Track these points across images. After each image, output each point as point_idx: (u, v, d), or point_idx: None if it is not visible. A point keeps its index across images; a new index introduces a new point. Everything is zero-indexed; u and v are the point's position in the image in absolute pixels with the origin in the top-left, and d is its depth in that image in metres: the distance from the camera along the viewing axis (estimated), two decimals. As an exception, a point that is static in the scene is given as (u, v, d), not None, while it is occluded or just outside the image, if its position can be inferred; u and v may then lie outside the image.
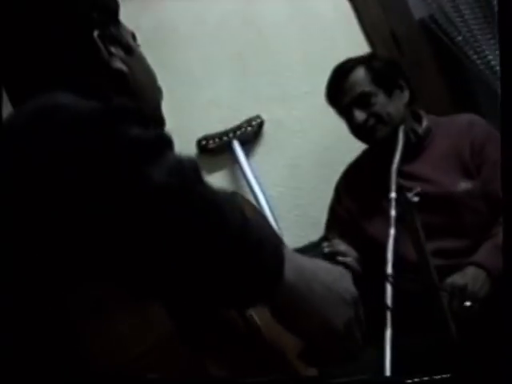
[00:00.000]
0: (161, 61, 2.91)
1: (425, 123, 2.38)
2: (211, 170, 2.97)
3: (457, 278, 2.06)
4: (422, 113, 2.43)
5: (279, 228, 2.80)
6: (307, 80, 2.94)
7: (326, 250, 1.68)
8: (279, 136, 2.95)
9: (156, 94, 1.39)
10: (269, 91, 2.94)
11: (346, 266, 1.68)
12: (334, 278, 1.03)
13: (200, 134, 2.92)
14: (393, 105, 2.30)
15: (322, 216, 2.80)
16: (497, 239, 2.14)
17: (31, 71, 1.20)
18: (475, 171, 2.27)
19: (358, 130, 2.33)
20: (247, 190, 2.88)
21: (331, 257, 1.68)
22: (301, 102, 2.95)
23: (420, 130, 2.37)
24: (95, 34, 1.22)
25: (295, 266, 0.96)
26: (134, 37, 1.35)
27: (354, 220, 2.43)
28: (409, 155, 2.28)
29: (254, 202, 2.84)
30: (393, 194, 1.81)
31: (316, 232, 2.84)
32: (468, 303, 2.01)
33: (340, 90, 2.33)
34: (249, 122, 2.90)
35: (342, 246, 1.69)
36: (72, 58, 1.21)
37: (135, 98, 1.29)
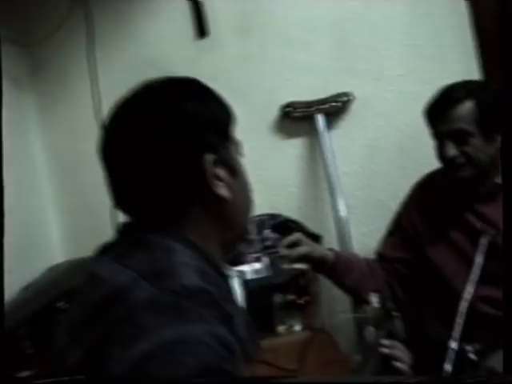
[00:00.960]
0: (259, 19, 2.94)
1: None
2: (290, 135, 2.96)
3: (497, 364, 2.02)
4: None
5: (343, 204, 2.82)
6: (404, 62, 2.87)
7: (386, 350, 1.67)
8: (364, 114, 2.91)
9: (249, 212, 1.38)
10: (363, 67, 2.89)
11: (399, 371, 1.66)
12: None
13: (286, 97, 2.91)
14: (487, 149, 2.20)
15: (391, 202, 2.81)
16: None
17: (139, 193, 1.25)
18: None
19: (443, 161, 2.26)
20: (321, 161, 2.89)
21: (387, 359, 1.67)
22: (392, 84, 2.88)
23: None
24: (207, 158, 1.24)
25: None
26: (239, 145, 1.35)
27: (417, 237, 2.41)
28: (488, 196, 2.27)
29: (324, 174, 2.86)
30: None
31: (382, 216, 2.84)
32: None
33: (440, 115, 2.23)
34: (337, 97, 2.87)
35: (400, 351, 1.67)
36: (179, 184, 1.23)
37: (228, 220, 1.31)
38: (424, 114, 2.28)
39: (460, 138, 2.19)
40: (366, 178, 2.93)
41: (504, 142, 0.98)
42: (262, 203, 2.86)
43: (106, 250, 1.25)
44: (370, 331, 1.72)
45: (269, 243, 2.83)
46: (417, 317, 2.34)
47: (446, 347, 1.92)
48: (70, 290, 2.53)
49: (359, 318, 2.47)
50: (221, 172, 1.26)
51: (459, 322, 1.79)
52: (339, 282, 2.40)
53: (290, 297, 2.10)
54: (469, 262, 2.26)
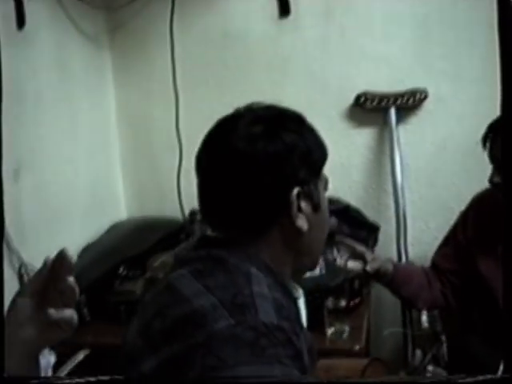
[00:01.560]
0: (343, 4, 2.91)
1: None
2: (361, 124, 2.98)
3: None
4: None
5: (404, 198, 2.85)
6: (484, 65, 2.82)
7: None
8: (436, 112, 2.89)
9: (322, 245, 1.43)
10: (441, 65, 2.86)
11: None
12: None
13: (360, 86, 2.91)
14: None
15: (452, 202, 2.84)
16: None
17: (224, 208, 1.33)
18: None
19: (492, 185, 2.28)
20: (388, 153, 2.91)
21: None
22: (469, 86, 2.85)
23: None
24: (295, 191, 1.29)
25: None
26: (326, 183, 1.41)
27: (470, 250, 2.44)
28: None
29: (390, 167, 2.88)
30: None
31: (442, 215, 2.88)
32: None
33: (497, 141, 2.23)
34: (412, 92, 2.85)
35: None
36: (263, 209, 1.30)
37: (301, 250, 1.37)
38: (488, 127, 2.29)
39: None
40: (431, 176, 2.94)
41: (504, 141, 1.00)
42: (327, 188, 2.89)
43: (183, 262, 1.32)
44: (418, 355, 1.78)
45: (326, 229, 2.88)
46: (466, 336, 2.38)
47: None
48: (131, 257, 2.63)
49: (406, 334, 2.53)
50: (304, 205, 1.31)
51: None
52: (397, 292, 2.46)
53: (342, 301, 2.16)
54: None
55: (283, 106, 1.38)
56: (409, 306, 2.62)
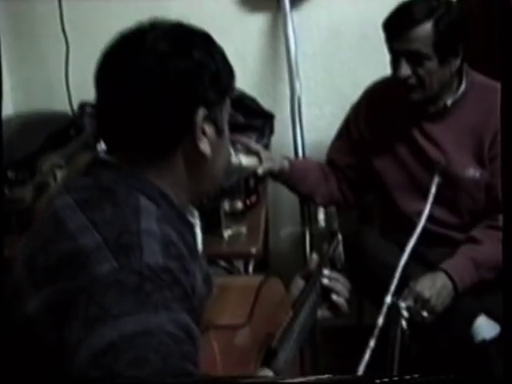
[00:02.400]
0: None
1: (463, 86, 2.30)
2: (254, 8, 2.88)
3: (424, 289, 2.14)
4: (465, 70, 2.31)
5: (300, 84, 2.80)
6: None
7: (325, 281, 1.70)
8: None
9: (223, 173, 1.41)
10: None
11: (332, 302, 1.71)
12: None
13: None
14: (440, 73, 2.20)
15: (348, 88, 2.83)
16: (476, 251, 2.23)
17: (126, 127, 1.27)
18: (487, 161, 2.26)
19: (396, 78, 2.24)
20: (282, 39, 2.83)
21: (326, 291, 1.72)
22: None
23: (455, 95, 2.29)
24: (201, 112, 1.25)
25: None
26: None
27: (363, 144, 2.46)
28: (436, 115, 2.31)
29: (285, 53, 2.81)
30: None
31: (337, 101, 2.87)
32: (425, 314, 2.11)
33: (398, 33, 2.18)
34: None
35: (339, 284, 1.70)
36: (165, 127, 1.25)
37: (202, 176, 1.34)
38: (382, 26, 2.24)
39: (415, 59, 2.18)
40: (326, 62, 2.90)
41: (504, 140, 1.00)
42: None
43: (71, 188, 1.27)
44: (314, 259, 1.78)
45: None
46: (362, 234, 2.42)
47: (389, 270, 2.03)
48: (19, 159, 2.52)
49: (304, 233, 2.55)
50: (208, 129, 1.28)
51: (396, 276, 1.87)
52: (295, 189, 2.47)
53: (238, 202, 2.14)
54: (411, 178, 2.34)
55: (189, 24, 1.32)
56: (310, 202, 2.64)
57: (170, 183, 1.30)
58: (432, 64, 2.17)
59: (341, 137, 2.55)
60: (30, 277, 1.19)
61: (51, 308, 1.13)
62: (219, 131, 1.31)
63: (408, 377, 0.93)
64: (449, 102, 2.28)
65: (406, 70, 2.18)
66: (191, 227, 1.37)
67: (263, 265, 2.93)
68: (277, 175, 2.39)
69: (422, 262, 2.30)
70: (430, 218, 2.29)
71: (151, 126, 1.25)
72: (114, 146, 1.32)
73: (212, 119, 1.29)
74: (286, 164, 2.39)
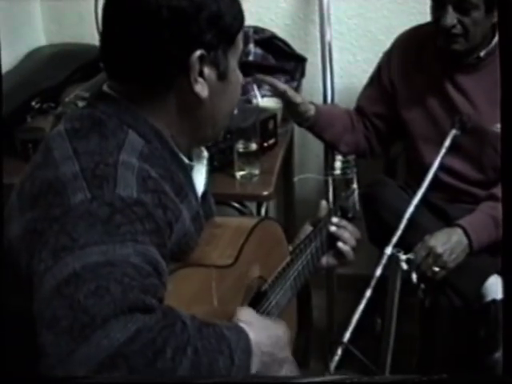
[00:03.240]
0: None
1: (496, 39, 2.20)
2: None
3: (438, 243, 2.10)
4: None
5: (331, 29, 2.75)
6: None
7: (333, 229, 1.67)
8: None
9: (225, 122, 1.40)
10: None
11: (338, 250, 1.69)
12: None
13: None
14: (484, 25, 2.12)
15: (381, 35, 2.83)
16: (496, 209, 2.13)
17: (122, 57, 1.27)
18: None
19: (439, 26, 2.15)
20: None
21: (333, 239, 1.70)
22: None
23: (488, 46, 2.21)
24: (197, 53, 1.23)
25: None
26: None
27: (394, 94, 2.40)
28: (469, 66, 2.24)
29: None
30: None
31: (370, 48, 2.82)
32: (437, 269, 2.07)
33: None
34: None
35: (346, 232, 1.67)
36: (159, 64, 1.24)
37: (198, 119, 1.33)
38: None
39: (463, 7, 2.10)
40: (359, 7, 2.83)
41: (504, 140, 0.97)
42: (249, 14, 2.74)
43: (67, 118, 1.29)
44: (323, 205, 1.76)
45: (250, 58, 2.79)
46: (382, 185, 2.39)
47: (401, 217, 2.00)
48: (46, 89, 2.54)
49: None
50: (208, 71, 1.27)
51: (400, 228, 1.84)
52: (320, 136, 2.43)
53: (253, 144, 2.11)
54: (438, 129, 2.28)
55: None
56: (333, 149, 2.61)
57: (165, 123, 1.30)
58: (479, 14, 2.09)
59: (371, 84, 2.50)
60: (18, 203, 1.22)
61: (28, 235, 1.15)
62: (221, 75, 1.29)
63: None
64: (482, 53, 2.21)
65: (452, 18, 2.10)
66: (185, 168, 1.36)
67: (287, 209, 2.94)
68: (302, 121, 2.36)
69: (442, 217, 2.28)
70: (453, 172, 2.25)
71: (144, 60, 1.25)
72: (112, 77, 1.32)
73: (212, 62, 1.27)
74: (312, 108, 2.35)
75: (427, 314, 2.21)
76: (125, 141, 1.22)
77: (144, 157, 1.22)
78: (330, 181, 2.55)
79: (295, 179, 2.21)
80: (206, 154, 1.50)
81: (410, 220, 2.05)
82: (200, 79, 1.26)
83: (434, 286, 2.13)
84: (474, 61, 2.23)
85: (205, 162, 1.49)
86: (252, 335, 1.21)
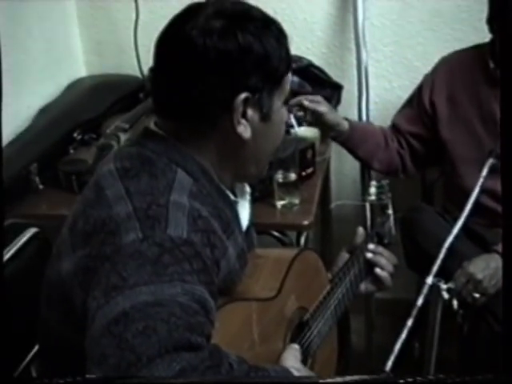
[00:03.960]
0: None
1: None
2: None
3: (477, 270, 2.11)
4: None
5: (368, 57, 2.78)
6: None
7: (369, 255, 1.70)
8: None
9: (268, 160, 1.45)
10: None
11: (375, 276, 1.71)
12: None
13: None
14: None
15: (417, 61, 2.82)
16: None
17: (173, 98, 1.32)
18: None
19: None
20: (351, 9, 2.79)
21: (371, 265, 1.73)
22: None
23: None
24: (242, 96, 1.26)
25: None
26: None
27: (434, 115, 2.41)
28: None
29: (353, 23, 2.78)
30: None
31: (406, 75, 2.85)
32: (477, 295, 2.09)
33: None
34: None
35: (383, 259, 1.70)
36: (205, 106, 1.29)
37: (241, 159, 1.38)
38: None
39: None
40: (395, 35, 2.84)
41: (504, 139, 0.98)
42: (287, 44, 2.82)
43: (116, 157, 1.34)
44: (360, 232, 1.78)
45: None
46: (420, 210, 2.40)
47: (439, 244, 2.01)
48: (87, 120, 2.58)
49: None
50: (251, 113, 1.31)
51: (440, 257, 1.84)
52: (353, 151, 2.45)
53: (292, 174, 2.14)
54: (481, 152, 2.27)
55: (254, 5, 1.33)
56: (367, 166, 2.63)
57: (210, 161, 1.34)
58: None
59: (410, 104, 2.51)
60: (70, 239, 1.27)
61: (80, 271, 1.21)
62: (264, 117, 1.32)
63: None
64: None
65: None
66: (231, 204, 1.40)
67: (323, 238, 2.95)
68: (336, 135, 2.38)
69: (480, 243, 2.27)
70: (493, 194, 2.24)
71: (190, 100, 1.29)
72: (159, 114, 1.38)
73: (256, 104, 1.30)
74: (345, 124, 2.37)
75: (466, 340, 2.21)
76: (174, 180, 1.26)
77: (194, 195, 1.26)
78: (367, 206, 2.58)
79: (332, 206, 2.23)
80: (248, 189, 1.54)
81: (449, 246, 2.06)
82: (243, 121, 1.30)
83: (474, 311, 2.14)
84: None
85: (248, 197, 1.54)
86: None
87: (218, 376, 1.08)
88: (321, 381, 1.16)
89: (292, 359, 1.37)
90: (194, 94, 1.28)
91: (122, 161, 1.30)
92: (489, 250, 2.18)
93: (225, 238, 1.30)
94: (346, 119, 2.41)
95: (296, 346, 1.43)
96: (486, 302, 2.11)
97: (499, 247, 2.14)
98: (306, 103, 2.26)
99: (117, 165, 1.29)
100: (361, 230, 1.80)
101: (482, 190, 2.12)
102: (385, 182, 1.87)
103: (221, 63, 1.26)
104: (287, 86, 1.37)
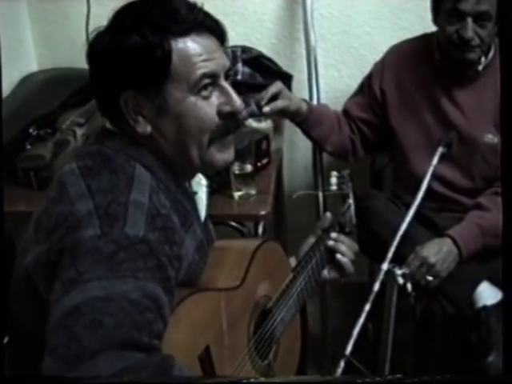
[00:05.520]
0: None
1: (492, 52, 2.31)
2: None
3: (430, 254, 2.19)
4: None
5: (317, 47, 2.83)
6: None
7: (331, 243, 1.75)
8: None
9: (186, 150, 1.39)
10: None
11: (337, 263, 1.77)
12: None
13: None
14: (493, 35, 2.21)
15: (364, 51, 2.90)
16: (483, 218, 2.26)
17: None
18: None
19: (454, 39, 2.23)
20: (300, 1, 2.84)
21: (332, 252, 1.78)
22: None
23: (486, 60, 2.31)
24: (125, 95, 1.32)
25: None
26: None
27: (384, 103, 2.49)
28: (466, 79, 2.34)
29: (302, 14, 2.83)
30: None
31: (354, 64, 2.93)
32: (430, 278, 2.17)
33: None
34: None
35: (344, 246, 1.75)
36: (112, 108, 1.37)
37: (174, 153, 1.39)
38: None
39: (480, 20, 2.17)
40: (343, 24, 2.91)
41: (504, 139, 1.03)
42: (236, 34, 2.88)
43: (78, 155, 1.39)
44: (327, 217, 1.83)
45: (239, 77, 2.87)
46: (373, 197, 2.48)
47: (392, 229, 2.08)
48: (42, 116, 2.58)
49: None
50: (144, 109, 1.34)
51: (394, 243, 1.92)
52: (308, 132, 2.50)
53: (248, 165, 2.19)
54: (429, 139, 2.36)
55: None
56: (320, 148, 2.70)
57: (162, 154, 1.38)
58: (491, 25, 2.18)
59: (361, 92, 2.58)
60: (34, 235, 1.32)
61: (43, 265, 1.26)
62: (160, 110, 1.34)
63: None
64: (480, 67, 2.31)
65: (472, 31, 2.18)
66: (190, 196, 1.44)
67: (278, 226, 3.01)
68: (293, 116, 2.44)
69: (430, 227, 2.36)
70: (444, 180, 2.33)
71: (98, 101, 1.41)
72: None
73: (149, 99, 1.33)
74: (303, 106, 2.44)
75: (419, 321, 2.29)
76: (134, 176, 1.31)
77: (155, 190, 1.31)
78: (320, 195, 2.64)
79: (294, 196, 2.27)
80: (204, 181, 1.59)
81: (398, 230, 2.14)
82: (139, 118, 1.34)
83: (427, 293, 2.22)
84: (472, 74, 2.33)
85: (204, 189, 1.58)
86: None
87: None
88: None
89: None
90: (99, 96, 1.39)
91: (83, 159, 1.34)
92: (440, 235, 2.27)
93: (183, 232, 1.34)
94: (304, 101, 2.48)
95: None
96: (438, 284, 2.19)
97: (450, 231, 2.23)
98: (266, 110, 2.29)
99: (79, 163, 1.33)
100: (328, 214, 1.84)
101: (433, 176, 2.21)
102: (345, 172, 1.91)
103: (102, 64, 1.34)
104: (189, 75, 1.34)
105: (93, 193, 1.25)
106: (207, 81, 1.35)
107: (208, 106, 1.36)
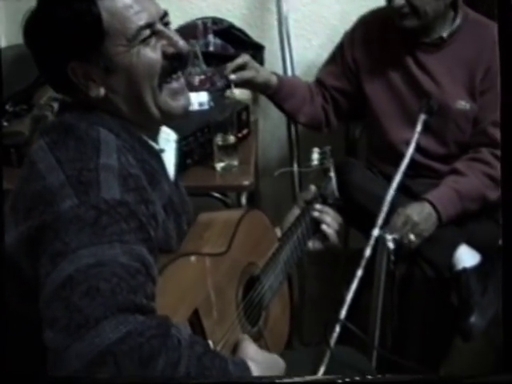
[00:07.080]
0: None
1: (458, 20, 2.35)
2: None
3: (413, 213, 2.22)
4: (460, 4, 2.36)
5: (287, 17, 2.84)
6: None
7: (316, 214, 1.78)
8: None
9: (146, 97, 1.40)
10: None
11: (322, 233, 1.81)
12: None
13: None
14: (434, 3, 2.25)
15: (335, 20, 2.96)
16: (460, 183, 2.30)
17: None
18: (478, 94, 2.34)
19: (392, 7, 2.28)
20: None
21: (317, 224, 1.81)
22: None
23: (451, 27, 2.35)
24: (70, 65, 1.34)
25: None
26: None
27: (357, 71, 2.53)
28: (432, 46, 2.37)
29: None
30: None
31: (325, 33, 2.96)
32: (413, 237, 2.20)
33: None
34: None
35: (329, 217, 1.79)
36: (62, 78, 1.37)
37: (132, 108, 1.41)
38: None
39: None
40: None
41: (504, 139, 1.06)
42: (207, 6, 2.90)
43: (43, 132, 1.39)
44: (311, 189, 1.86)
45: (211, 49, 2.88)
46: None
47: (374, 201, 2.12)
48: (17, 92, 2.56)
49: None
50: (92, 73, 1.36)
51: (383, 209, 1.95)
52: (280, 105, 2.53)
53: (231, 137, 2.21)
54: (402, 107, 2.41)
55: None
56: (293, 120, 2.74)
57: (122, 114, 1.40)
58: None
59: (333, 60, 2.61)
60: (12, 216, 1.32)
61: (25, 243, 1.25)
62: (107, 69, 1.36)
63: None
64: (445, 34, 2.34)
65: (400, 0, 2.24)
66: (157, 154, 1.45)
67: (253, 199, 3.03)
68: (263, 88, 2.46)
69: (406, 193, 2.39)
70: (416, 147, 2.37)
71: (47, 79, 1.45)
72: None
73: (94, 63, 1.35)
74: (273, 79, 2.46)
75: (400, 285, 2.34)
76: (100, 140, 1.32)
77: (121, 152, 1.33)
78: (295, 169, 2.67)
79: (276, 173, 2.29)
80: (174, 136, 1.58)
81: (378, 198, 2.18)
82: (90, 83, 1.36)
83: (407, 257, 2.27)
84: (436, 41, 2.36)
85: (173, 144, 1.57)
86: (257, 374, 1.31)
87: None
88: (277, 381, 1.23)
89: (251, 351, 1.41)
90: (46, 74, 1.43)
91: (48, 134, 1.36)
92: (418, 199, 2.30)
93: (150, 190, 1.35)
94: (274, 73, 2.50)
95: (246, 336, 1.48)
96: (418, 248, 2.24)
97: (428, 196, 2.27)
98: (231, 77, 2.32)
99: (45, 139, 1.34)
100: (312, 187, 1.88)
101: (406, 143, 2.26)
102: (327, 148, 1.94)
103: (40, 41, 1.36)
104: (125, 30, 1.35)
105: (62, 164, 1.27)
106: (146, 32, 1.37)
107: (152, 51, 1.38)
